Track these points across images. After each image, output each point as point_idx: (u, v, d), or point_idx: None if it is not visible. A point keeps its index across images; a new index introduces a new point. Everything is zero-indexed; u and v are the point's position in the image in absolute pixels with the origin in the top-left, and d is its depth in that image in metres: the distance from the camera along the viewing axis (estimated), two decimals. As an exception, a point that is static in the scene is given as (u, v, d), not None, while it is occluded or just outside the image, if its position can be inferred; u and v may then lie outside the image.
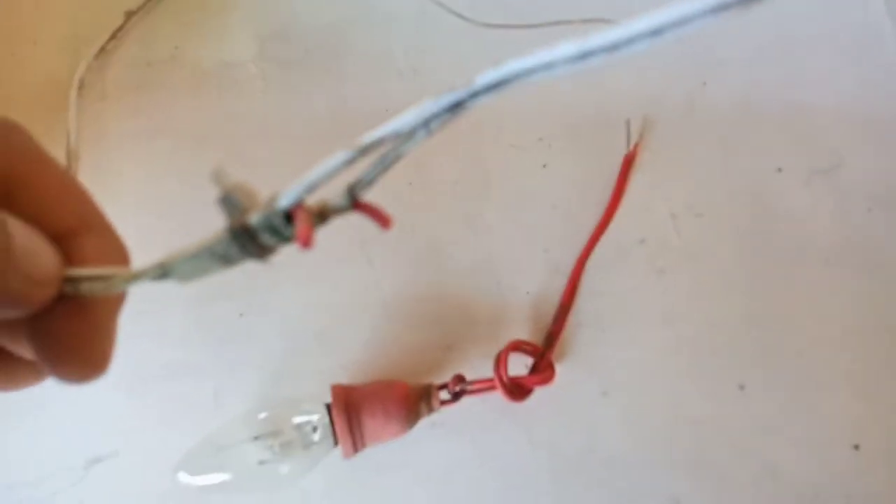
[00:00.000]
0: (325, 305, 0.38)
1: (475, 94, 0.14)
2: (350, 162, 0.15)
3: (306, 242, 0.15)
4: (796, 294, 0.40)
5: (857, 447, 0.38)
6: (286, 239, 0.16)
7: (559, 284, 0.39)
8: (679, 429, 0.37)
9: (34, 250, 0.15)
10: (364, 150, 0.15)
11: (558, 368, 0.37)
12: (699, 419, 0.38)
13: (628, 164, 0.40)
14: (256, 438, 0.32)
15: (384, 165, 0.15)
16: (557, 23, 0.43)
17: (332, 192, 0.16)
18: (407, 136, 0.14)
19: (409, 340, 0.38)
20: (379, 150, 0.15)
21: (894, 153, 0.42)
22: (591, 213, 0.40)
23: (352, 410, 0.32)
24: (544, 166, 0.41)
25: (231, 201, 0.16)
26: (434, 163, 0.41)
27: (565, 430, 0.37)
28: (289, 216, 0.15)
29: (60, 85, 0.41)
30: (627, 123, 0.40)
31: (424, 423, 0.36)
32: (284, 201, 0.15)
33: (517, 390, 0.36)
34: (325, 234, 0.40)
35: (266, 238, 0.16)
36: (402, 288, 0.39)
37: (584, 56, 0.12)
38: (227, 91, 0.41)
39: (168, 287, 0.35)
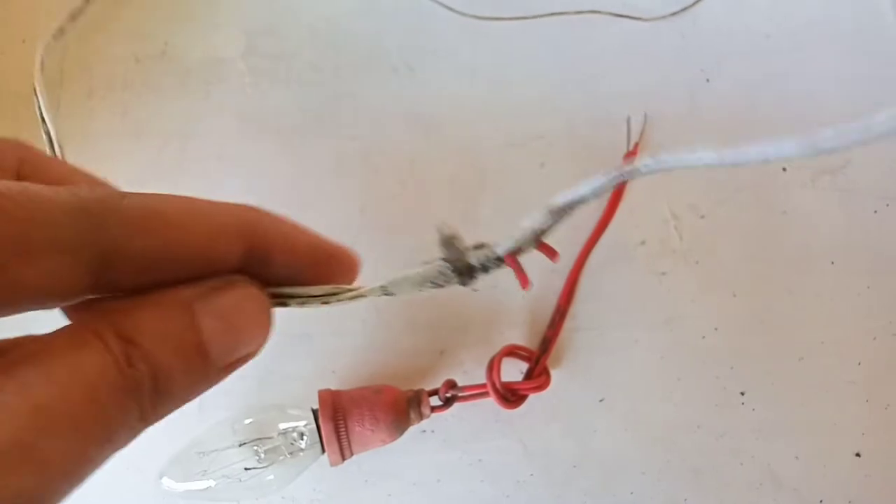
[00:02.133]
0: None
1: (635, 175, 0.18)
2: (544, 222, 0.20)
3: (527, 285, 0.21)
4: (800, 297, 0.39)
5: (858, 455, 0.37)
6: (489, 273, 0.21)
7: (556, 287, 0.38)
8: (679, 436, 0.37)
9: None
10: (555, 214, 0.20)
11: (554, 374, 0.36)
12: (699, 426, 0.37)
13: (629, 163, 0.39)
14: (242, 444, 0.32)
15: (560, 219, 0.20)
16: (550, 14, 0.42)
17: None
18: (581, 200, 0.19)
19: (400, 345, 0.37)
20: (563, 212, 0.20)
21: (903, 153, 0.41)
22: (589, 214, 0.39)
23: (339, 416, 0.32)
24: (542, 165, 0.40)
25: (453, 245, 0.21)
26: (429, 161, 0.40)
27: (561, 438, 0.36)
28: (499, 258, 0.21)
29: (49, 79, 0.40)
30: (628, 121, 0.39)
31: (415, 429, 0.35)
32: (500, 251, 0.21)
33: (511, 396, 0.35)
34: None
35: (478, 273, 0.21)
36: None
37: (721, 161, 0.16)
38: (216, 87, 0.40)
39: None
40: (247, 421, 0.32)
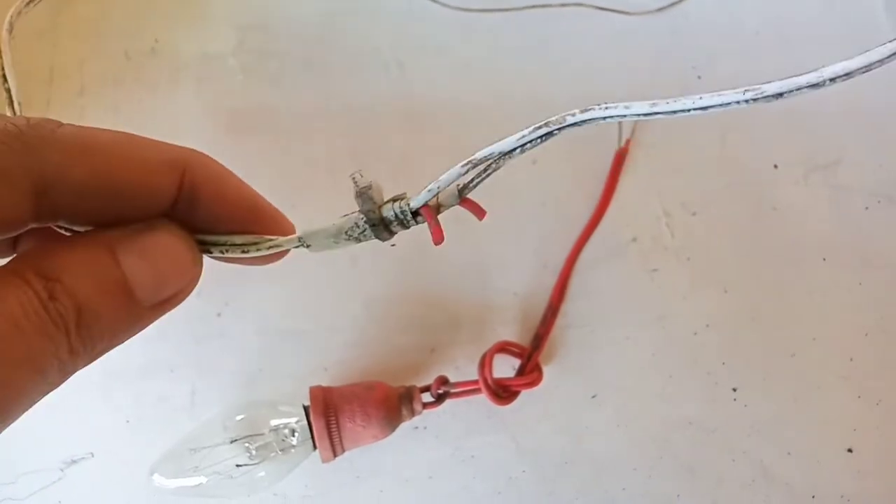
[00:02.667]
0: (305, 305, 0.37)
1: (563, 127, 0.18)
2: (464, 173, 0.20)
3: (440, 238, 0.20)
4: (792, 293, 0.39)
5: (850, 450, 0.37)
6: (408, 227, 0.21)
7: (548, 284, 0.38)
8: (671, 431, 0.37)
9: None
10: (476, 164, 0.20)
11: (546, 371, 0.36)
12: (691, 421, 0.37)
13: (620, 160, 0.39)
14: (233, 441, 0.32)
15: (486, 174, 0.20)
16: (534, 6, 0.42)
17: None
18: (507, 154, 0.20)
19: (391, 342, 0.37)
20: (485, 164, 0.20)
21: (892, 150, 0.41)
22: (581, 211, 0.39)
23: (330, 413, 0.31)
24: (534, 162, 0.40)
25: (368, 196, 0.20)
26: (419, 158, 0.40)
27: (553, 435, 0.36)
28: (415, 213, 0.20)
29: (38, 78, 0.40)
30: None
31: (407, 426, 0.35)
32: (415, 203, 0.20)
33: (503, 393, 0.35)
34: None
35: (394, 227, 0.20)
36: (385, 288, 0.38)
37: (652, 112, 0.16)
38: (207, 84, 0.40)
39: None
40: (238, 417, 0.32)
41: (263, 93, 0.40)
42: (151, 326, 0.36)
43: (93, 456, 0.35)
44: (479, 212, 0.21)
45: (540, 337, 0.37)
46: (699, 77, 0.42)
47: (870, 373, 0.38)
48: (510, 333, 0.37)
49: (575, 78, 0.42)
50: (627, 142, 0.39)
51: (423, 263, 0.38)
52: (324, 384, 0.34)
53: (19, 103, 0.33)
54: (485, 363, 0.34)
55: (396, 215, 0.20)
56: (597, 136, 0.40)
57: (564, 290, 0.38)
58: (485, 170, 0.21)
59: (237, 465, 0.31)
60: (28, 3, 0.25)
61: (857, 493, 0.36)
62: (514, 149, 0.20)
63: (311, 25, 0.42)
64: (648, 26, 0.43)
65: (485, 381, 0.34)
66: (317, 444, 0.31)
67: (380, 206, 0.20)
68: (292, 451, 0.32)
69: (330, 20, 0.42)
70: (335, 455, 0.32)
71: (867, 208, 0.40)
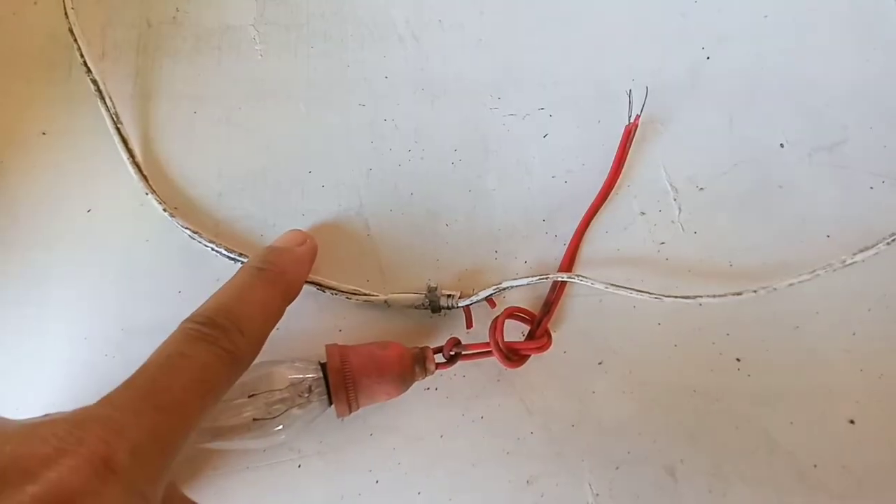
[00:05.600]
0: (319, 269, 0.38)
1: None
2: (493, 292, 0.37)
3: (471, 327, 0.37)
4: (796, 269, 0.39)
5: (852, 422, 0.37)
6: (451, 310, 0.37)
7: (557, 254, 0.39)
8: (675, 399, 0.37)
9: None
10: (500, 290, 0.37)
11: (554, 337, 0.37)
12: (696, 390, 0.37)
13: (629, 135, 0.40)
14: (251, 395, 0.32)
15: (501, 291, 0.37)
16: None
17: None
18: (515, 287, 0.37)
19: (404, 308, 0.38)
20: (503, 288, 0.37)
21: (898, 129, 0.42)
22: (591, 184, 0.40)
23: (347, 369, 0.32)
24: (545, 136, 0.41)
25: (434, 294, 0.36)
26: (433, 129, 0.41)
27: (560, 398, 0.37)
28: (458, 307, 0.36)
29: (60, 42, 0.40)
30: (629, 94, 0.40)
31: (419, 386, 0.36)
32: (461, 304, 0.37)
33: (513, 355, 0.36)
34: (323, 199, 0.40)
35: (444, 311, 0.37)
36: (399, 255, 0.39)
37: None
38: (227, 54, 0.41)
39: (164, 247, 0.34)
40: (256, 373, 0.32)
41: (282, 63, 0.41)
42: (172, 285, 0.37)
43: (111, 411, 0.35)
44: (492, 304, 0.37)
45: (549, 304, 0.38)
46: (708, 58, 0.43)
47: (872, 347, 0.38)
48: (520, 301, 0.38)
49: (586, 56, 0.43)
50: (637, 118, 0.40)
51: (436, 230, 0.39)
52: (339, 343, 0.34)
53: (104, 86, 0.36)
54: (496, 326, 0.35)
55: (449, 305, 0.36)
56: (607, 112, 0.41)
57: (574, 260, 0.39)
58: (501, 290, 0.37)
59: (254, 419, 0.32)
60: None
61: (859, 463, 0.37)
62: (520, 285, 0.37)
63: (331, -1, 0.43)
64: (660, 7, 0.44)
65: (496, 343, 0.35)
66: (333, 398, 0.32)
67: (438, 298, 0.36)
68: (308, 406, 0.32)
69: (348, -7, 0.43)
70: (350, 410, 0.33)
71: (871, 188, 0.41)
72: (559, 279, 0.37)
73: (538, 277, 0.37)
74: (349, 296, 0.37)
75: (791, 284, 0.36)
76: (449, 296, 0.36)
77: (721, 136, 0.42)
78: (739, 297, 0.36)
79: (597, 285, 0.36)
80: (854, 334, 0.39)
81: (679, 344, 0.38)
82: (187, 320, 0.29)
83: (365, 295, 0.37)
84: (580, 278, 0.36)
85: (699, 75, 0.43)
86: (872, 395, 0.38)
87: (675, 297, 0.36)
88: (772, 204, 0.41)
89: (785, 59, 0.43)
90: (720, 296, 0.36)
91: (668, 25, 0.44)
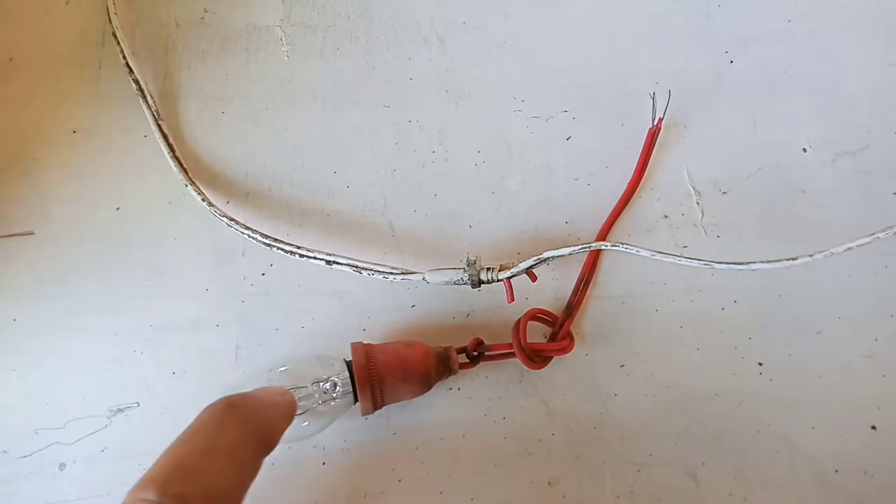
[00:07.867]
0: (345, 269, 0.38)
1: None
2: (533, 264, 0.35)
3: (512, 300, 0.35)
4: (817, 274, 0.40)
5: (874, 428, 0.37)
6: (490, 284, 0.35)
7: (580, 256, 0.39)
8: (697, 402, 0.37)
9: None
10: (541, 261, 0.35)
11: (577, 340, 0.37)
12: (718, 393, 0.38)
13: (652, 138, 0.40)
14: (276, 393, 0.32)
15: (544, 262, 0.35)
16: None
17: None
18: (559, 257, 0.36)
19: (428, 305, 0.38)
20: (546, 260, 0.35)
21: (922, 134, 0.41)
22: (614, 187, 0.40)
23: (372, 367, 0.32)
24: (568, 138, 0.41)
25: (473, 267, 0.35)
26: (457, 131, 0.41)
27: (582, 400, 0.37)
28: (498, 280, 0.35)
29: (91, 41, 0.41)
30: (653, 97, 0.40)
31: (442, 387, 0.36)
32: (501, 276, 0.35)
33: (535, 357, 0.36)
34: (348, 199, 0.40)
35: (483, 284, 0.35)
36: (422, 255, 0.39)
37: None
38: (254, 54, 0.41)
39: (192, 245, 0.35)
40: (281, 368, 0.33)
41: (308, 64, 0.41)
42: (200, 285, 0.38)
43: (139, 405, 0.36)
44: (532, 277, 0.36)
45: (572, 306, 0.38)
46: (732, 61, 0.43)
47: (894, 353, 0.38)
48: (543, 303, 0.38)
49: (609, 59, 0.43)
50: (660, 120, 0.40)
51: (459, 232, 0.39)
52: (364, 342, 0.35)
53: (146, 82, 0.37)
54: (519, 328, 0.35)
55: (489, 279, 0.35)
56: (630, 115, 0.41)
57: (597, 262, 0.39)
58: (544, 261, 0.35)
59: (280, 416, 0.32)
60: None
61: (880, 469, 0.37)
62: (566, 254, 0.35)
63: (355, 0, 0.43)
64: (683, 10, 0.44)
65: (519, 344, 0.35)
66: (358, 395, 0.32)
67: (478, 272, 0.35)
68: (333, 403, 0.33)
69: (373, -4, 0.43)
70: (375, 408, 0.33)
71: (894, 193, 0.41)
72: (602, 247, 0.36)
73: (580, 247, 0.35)
74: (386, 275, 0.35)
75: (849, 248, 0.34)
76: (489, 269, 0.35)
77: (744, 140, 0.42)
78: (794, 261, 0.34)
79: (642, 252, 0.35)
80: (876, 340, 0.39)
81: (701, 347, 0.38)
82: (137, 487, 0.22)
83: (403, 272, 0.35)
84: (625, 245, 0.35)
85: (722, 78, 0.43)
86: (894, 401, 0.38)
87: (727, 263, 0.35)
88: (794, 208, 0.41)
89: (808, 63, 0.43)
90: (774, 261, 0.34)
91: (691, 28, 0.44)
